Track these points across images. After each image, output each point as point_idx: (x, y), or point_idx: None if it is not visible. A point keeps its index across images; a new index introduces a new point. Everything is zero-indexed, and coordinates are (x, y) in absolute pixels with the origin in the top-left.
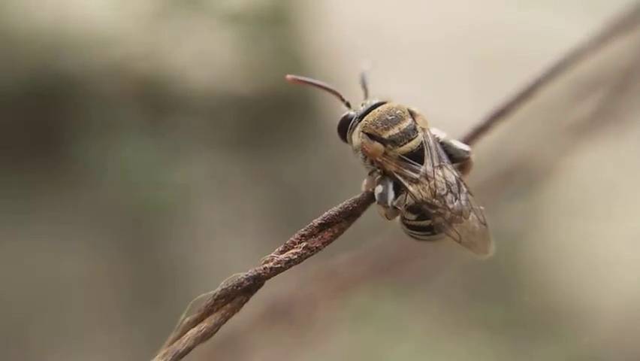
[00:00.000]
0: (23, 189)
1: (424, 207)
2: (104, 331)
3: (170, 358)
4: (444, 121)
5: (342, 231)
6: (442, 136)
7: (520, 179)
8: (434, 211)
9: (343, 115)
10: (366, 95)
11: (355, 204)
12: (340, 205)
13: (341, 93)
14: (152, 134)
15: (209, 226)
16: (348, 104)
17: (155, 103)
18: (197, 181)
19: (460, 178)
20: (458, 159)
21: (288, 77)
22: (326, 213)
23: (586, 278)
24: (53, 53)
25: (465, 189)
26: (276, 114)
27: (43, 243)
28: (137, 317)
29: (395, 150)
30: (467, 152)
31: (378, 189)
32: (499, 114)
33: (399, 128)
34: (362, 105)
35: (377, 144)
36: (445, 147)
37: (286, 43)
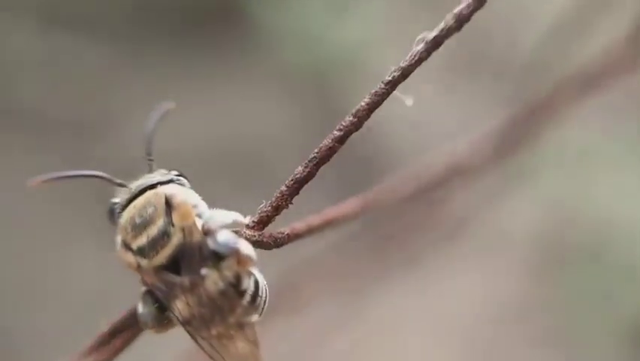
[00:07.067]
0: (208, 50)
1: (187, 329)
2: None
3: None
4: None
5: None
6: (206, 215)
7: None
8: (197, 336)
9: (110, 203)
10: (150, 169)
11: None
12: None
13: (110, 176)
14: None
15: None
16: (121, 185)
17: None
18: (371, 32)
19: (229, 285)
20: (227, 255)
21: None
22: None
23: None
24: None
25: (235, 298)
26: None
27: (228, 104)
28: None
29: (147, 262)
30: (231, 248)
31: (138, 308)
32: None
33: (147, 236)
34: (130, 190)
35: (129, 256)
36: (213, 239)
37: None
